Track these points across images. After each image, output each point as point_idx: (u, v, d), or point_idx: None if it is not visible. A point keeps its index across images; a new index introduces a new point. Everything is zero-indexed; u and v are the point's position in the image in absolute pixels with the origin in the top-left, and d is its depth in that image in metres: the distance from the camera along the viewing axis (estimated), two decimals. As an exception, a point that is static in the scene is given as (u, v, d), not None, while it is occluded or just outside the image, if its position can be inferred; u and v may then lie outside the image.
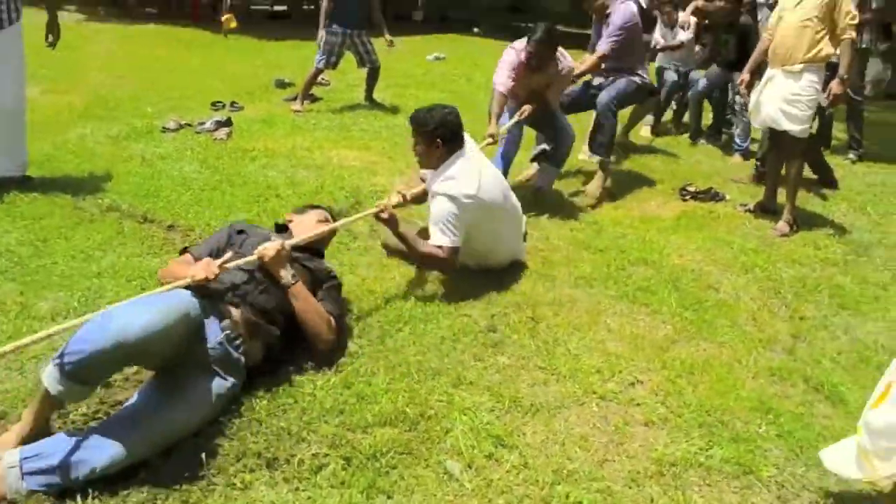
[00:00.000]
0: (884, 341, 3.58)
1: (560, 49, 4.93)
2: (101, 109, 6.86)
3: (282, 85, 8.56)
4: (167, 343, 2.19)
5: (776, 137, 5.08)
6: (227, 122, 6.50)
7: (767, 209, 5.27)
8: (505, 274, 3.90)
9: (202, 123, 6.44)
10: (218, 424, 2.45)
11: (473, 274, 3.84)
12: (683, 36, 7.68)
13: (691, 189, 5.67)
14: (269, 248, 2.81)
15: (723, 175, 6.33)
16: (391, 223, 3.48)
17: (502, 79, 4.78)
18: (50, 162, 5.26)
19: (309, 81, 7.60)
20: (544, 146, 5.23)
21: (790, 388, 3.08)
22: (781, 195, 5.18)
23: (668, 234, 4.80)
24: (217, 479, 2.24)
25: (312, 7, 18.88)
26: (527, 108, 4.93)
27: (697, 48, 7.94)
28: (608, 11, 5.41)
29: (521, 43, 4.83)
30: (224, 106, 7.31)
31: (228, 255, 2.80)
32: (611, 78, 5.43)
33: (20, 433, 2.24)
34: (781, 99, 4.81)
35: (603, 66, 5.41)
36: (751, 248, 4.62)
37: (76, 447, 2.12)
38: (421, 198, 3.89)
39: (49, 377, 2.15)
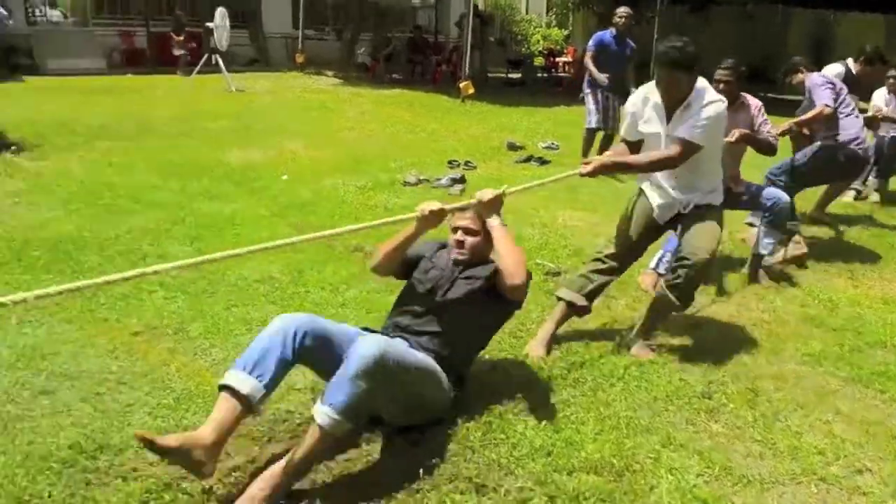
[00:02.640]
0: None
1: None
2: (351, 163, 7.60)
3: (513, 147, 8.96)
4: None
5: None
6: (461, 179, 6.94)
7: None
8: (726, 342, 3.83)
9: (438, 179, 6.93)
10: (435, 447, 2.66)
11: (691, 339, 3.82)
12: None
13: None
14: (488, 191, 3.07)
15: None
16: (598, 169, 3.43)
17: None
18: (308, 205, 5.93)
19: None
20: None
21: None
22: None
23: (916, 319, 4.44)
24: (430, 494, 2.45)
25: (545, 76, 19.58)
26: (735, 132, 4.57)
27: None
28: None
29: None
30: (459, 164, 7.78)
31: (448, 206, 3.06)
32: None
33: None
34: None
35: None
36: None
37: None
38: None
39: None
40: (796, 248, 5.28)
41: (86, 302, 3.77)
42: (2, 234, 4.77)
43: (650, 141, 3.62)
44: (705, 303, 4.38)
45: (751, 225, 5.35)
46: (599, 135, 8.09)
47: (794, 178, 5.46)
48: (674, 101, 3.50)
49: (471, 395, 3.03)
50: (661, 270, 4.63)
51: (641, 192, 3.84)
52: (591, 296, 3.81)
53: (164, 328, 3.57)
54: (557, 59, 20.32)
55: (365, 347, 2.42)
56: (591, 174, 3.44)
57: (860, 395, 3.44)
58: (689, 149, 3.45)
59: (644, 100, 3.65)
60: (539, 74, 19.93)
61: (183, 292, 4.00)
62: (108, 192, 5.92)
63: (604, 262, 3.81)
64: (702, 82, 3.53)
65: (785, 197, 4.82)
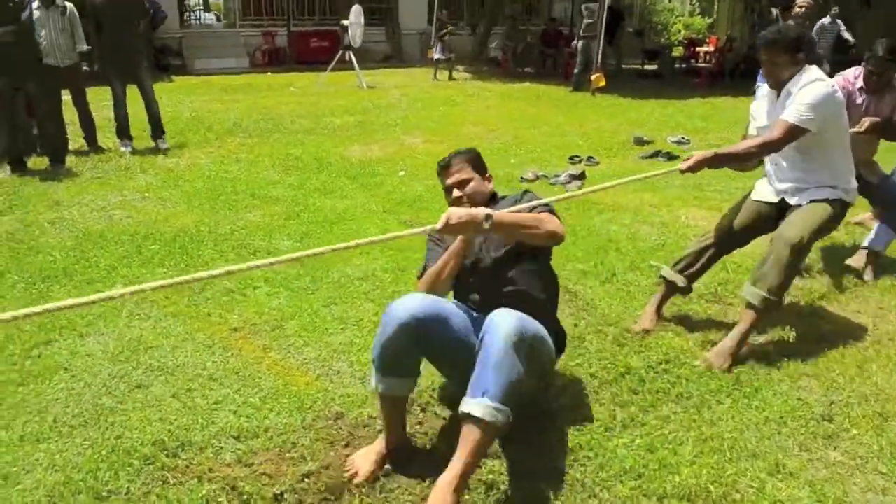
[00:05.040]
0: None
1: None
2: (470, 159, 7.51)
3: (640, 142, 8.60)
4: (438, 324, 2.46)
5: None
6: (581, 176, 6.71)
7: None
8: (856, 358, 3.44)
9: (557, 175, 6.73)
10: (517, 463, 2.52)
11: (817, 353, 3.46)
12: None
13: None
14: (457, 212, 2.42)
15: None
16: (700, 164, 3.26)
17: None
18: (421, 201, 5.91)
19: None
20: None
21: None
22: None
23: None
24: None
25: (684, 66, 18.79)
26: (866, 121, 4.31)
27: None
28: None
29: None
30: (581, 160, 7.55)
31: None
32: None
33: (382, 449, 2.53)
34: None
35: None
36: None
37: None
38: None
39: (371, 380, 2.53)
40: None
41: (193, 296, 3.89)
42: (127, 227, 5.03)
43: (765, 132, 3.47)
44: (835, 310, 3.98)
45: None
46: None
47: None
48: (778, 86, 3.42)
49: (560, 406, 2.88)
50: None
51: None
52: (693, 277, 3.75)
53: (262, 324, 3.62)
54: (698, 49, 19.42)
55: (502, 324, 2.26)
56: (692, 170, 3.27)
57: None
58: (789, 130, 3.27)
59: (761, 97, 3.60)
60: (677, 65, 19.13)
61: (286, 288, 4.05)
62: (230, 187, 6.14)
63: (705, 243, 3.71)
64: (811, 70, 3.35)
65: None
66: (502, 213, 2.52)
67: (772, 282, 3.33)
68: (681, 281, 3.73)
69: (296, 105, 10.88)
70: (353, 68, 13.55)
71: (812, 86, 3.27)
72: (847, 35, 14.13)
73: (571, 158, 7.61)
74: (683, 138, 8.80)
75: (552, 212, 2.76)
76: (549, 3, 23.24)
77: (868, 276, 4.47)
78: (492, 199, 2.90)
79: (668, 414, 2.93)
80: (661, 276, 3.82)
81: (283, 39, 18.11)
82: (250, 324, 3.62)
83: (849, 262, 4.56)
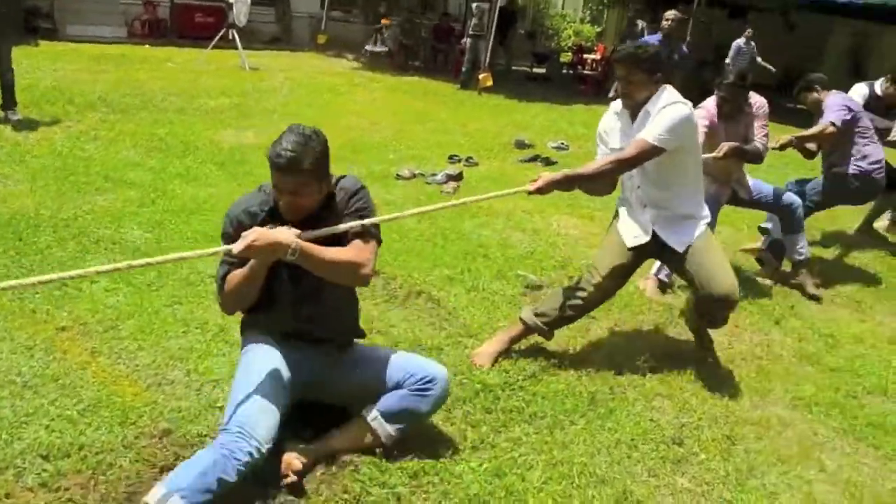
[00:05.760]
0: None
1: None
2: (347, 152, 7.27)
3: (521, 145, 8.60)
4: None
5: None
6: (458, 177, 6.61)
7: None
8: (709, 378, 3.48)
9: (434, 175, 6.60)
10: (351, 490, 2.36)
11: (671, 372, 3.47)
12: None
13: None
14: (268, 233, 2.25)
15: None
16: (549, 185, 3.17)
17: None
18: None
19: None
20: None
21: None
22: None
23: (923, 361, 4.07)
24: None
25: (571, 72, 19.12)
26: (724, 146, 4.37)
27: None
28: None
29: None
30: (460, 160, 7.45)
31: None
32: None
33: None
34: None
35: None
36: None
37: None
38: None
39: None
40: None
41: (20, 289, 3.50)
42: (-48, 207, 4.54)
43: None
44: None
45: (764, 232, 5.26)
46: None
47: (817, 204, 5.25)
48: (634, 105, 3.29)
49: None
50: (663, 277, 4.50)
51: (617, 214, 3.59)
52: (555, 324, 3.50)
53: (94, 324, 3.29)
54: (586, 56, 19.80)
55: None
56: (540, 191, 3.18)
57: (850, 449, 3.10)
58: (645, 149, 3.17)
59: (612, 115, 3.46)
60: (565, 71, 19.45)
61: (128, 283, 3.72)
62: (82, 167, 5.66)
63: (583, 293, 3.42)
64: (669, 90, 3.27)
65: (799, 200, 4.87)
66: (312, 248, 2.30)
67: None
68: (540, 330, 3.49)
69: (170, 82, 10.27)
70: (236, 47, 12.99)
71: (672, 107, 3.18)
72: (762, 61, 14.37)
73: (451, 158, 7.50)
74: (563, 144, 8.87)
75: (377, 237, 2.53)
76: None
77: (813, 289, 4.81)
78: (327, 199, 2.50)
79: (521, 435, 2.85)
80: (521, 318, 3.51)
81: (165, 10, 17.14)
82: (80, 323, 3.29)
83: (793, 280, 4.87)
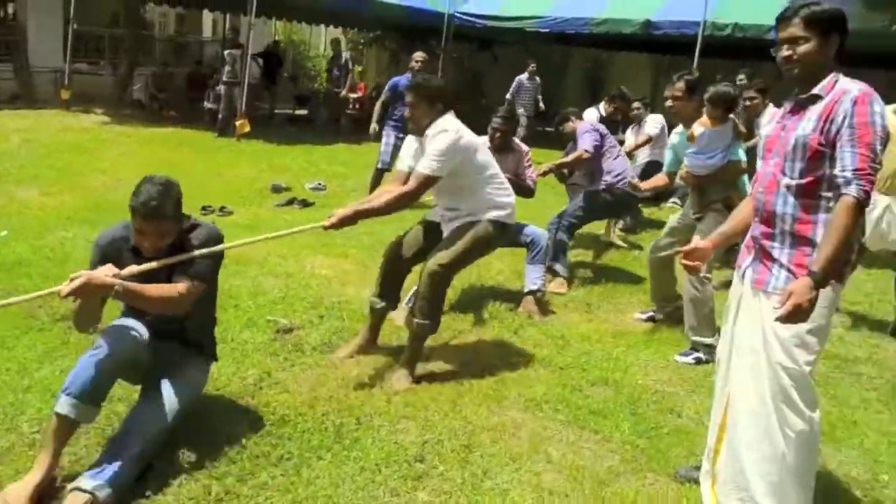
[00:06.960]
0: (857, 473, 3.32)
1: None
2: (90, 213, 6.92)
3: (277, 190, 8.64)
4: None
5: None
6: (210, 228, 6.51)
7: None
8: (449, 393, 3.72)
9: (185, 229, 6.45)
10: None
11: (414, 392, 3.67)
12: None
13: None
14: (88, 277, 2.66)
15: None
16: (343, 221, 3.53)
17: None
18: (22, 266, 5.25)
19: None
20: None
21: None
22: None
23: (639, 350, 4.59)
24: None
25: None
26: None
27: None
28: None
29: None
30: (213, 210, 7.35)
31: None
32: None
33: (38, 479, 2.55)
34: None
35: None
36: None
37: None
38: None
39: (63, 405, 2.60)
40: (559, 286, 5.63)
41: None
42: None
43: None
44: (436, 350, 4.25)
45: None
46: (388, 175, 8.02)
47: (570, 229, 5.80)
48: (419, 130, 3.77)
49: (147, 486, 2.68)
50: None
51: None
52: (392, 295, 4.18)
53: None
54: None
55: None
56: (335, 227, 3.50)
57: (574, 437, 3.44)
58: (422, 181, 3.65)
59: (412, 139, 3.99)
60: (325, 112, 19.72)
61: None
62: None
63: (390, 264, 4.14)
64: (446, 119, 3.72)
65: (544, 236, 5.22)
66: (134, 287, 2.72)
67: (423, 306, 3.78)
68: (378, 304, 4.07)
69: None
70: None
71: (438, 136, 3.62)
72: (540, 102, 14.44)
73: (204, 209, 7.37)
74: (320, 184, 9.03)
75: (203, 277, 2.99)
76: (200, 47, 22.66)
77: (538, 316, 5.01)
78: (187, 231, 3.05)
79: (267, 479, 2.89)
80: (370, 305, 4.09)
81: None
82: None
83: (520, 309, 5.08)
